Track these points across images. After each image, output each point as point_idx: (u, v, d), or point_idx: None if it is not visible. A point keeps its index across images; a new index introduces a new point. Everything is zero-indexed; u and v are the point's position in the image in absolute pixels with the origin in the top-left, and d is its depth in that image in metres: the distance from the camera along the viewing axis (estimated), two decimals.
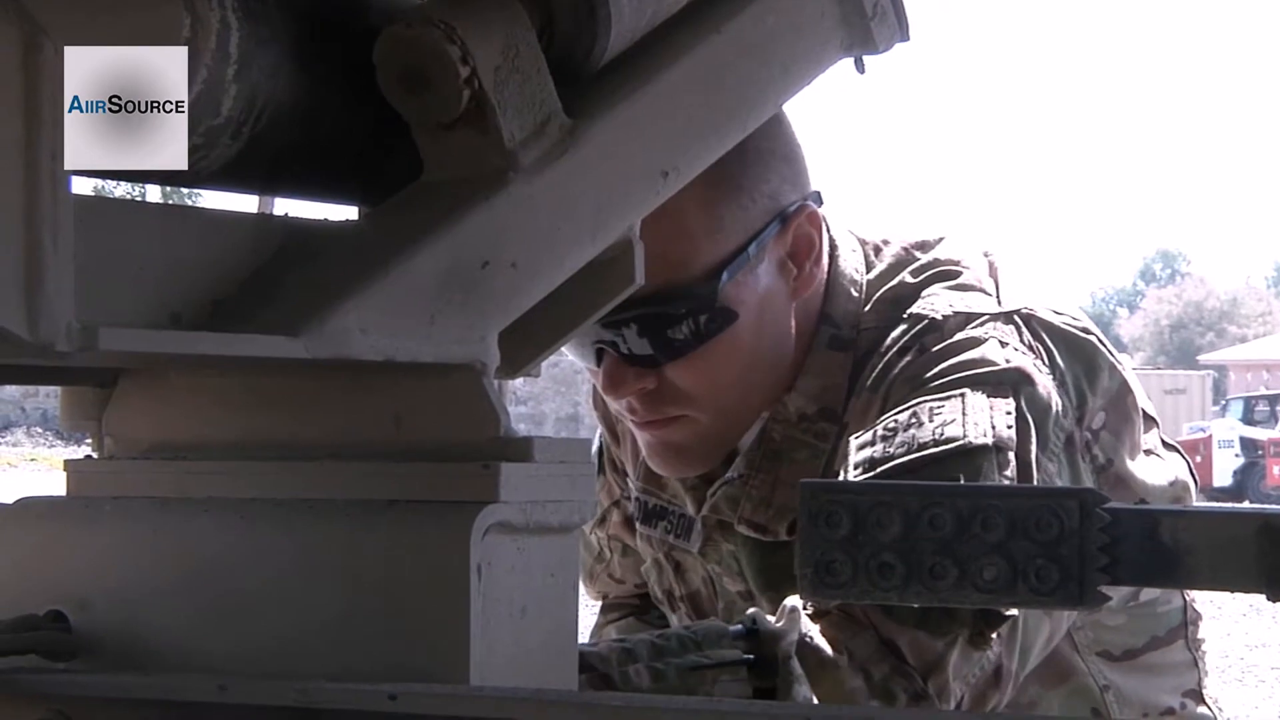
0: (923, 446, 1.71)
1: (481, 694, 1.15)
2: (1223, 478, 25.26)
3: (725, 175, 1.76)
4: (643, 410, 1.87)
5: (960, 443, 1.70)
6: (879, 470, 1.70)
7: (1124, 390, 1.92)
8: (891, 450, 1.72)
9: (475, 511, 1.18)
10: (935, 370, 1.79)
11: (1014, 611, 1.69)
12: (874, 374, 1.85)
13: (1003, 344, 1.81)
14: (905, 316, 1.86)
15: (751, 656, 1.61)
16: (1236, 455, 26.08)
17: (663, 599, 2.13)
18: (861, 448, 1.75)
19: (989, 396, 1.74)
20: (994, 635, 1.69)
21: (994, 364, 1.78)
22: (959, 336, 1.81)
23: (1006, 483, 1.69)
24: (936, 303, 1.86)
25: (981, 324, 1.83)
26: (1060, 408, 1.82)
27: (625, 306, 1.69)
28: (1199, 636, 2.08)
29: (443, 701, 1.12)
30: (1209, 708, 2.09)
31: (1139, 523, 1.01)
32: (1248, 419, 28.55)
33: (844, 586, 1.03)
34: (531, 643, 1.22)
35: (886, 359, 1.84)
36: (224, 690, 1.17)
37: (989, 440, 1.71)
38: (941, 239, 1.96)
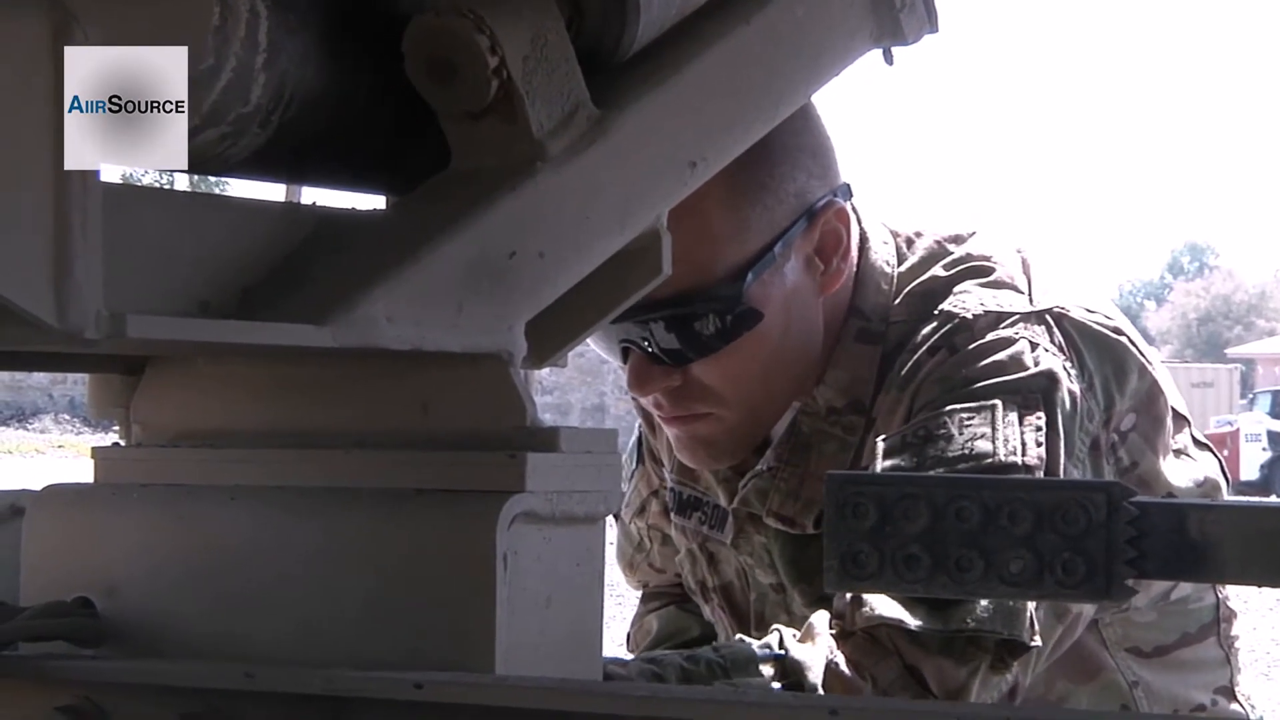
0: (951, 462, 1.70)
1: (506, 683, 1.15)
2: (1250, 471, 25.17)
3: (749, 176, 1.75)
4: (669, 406, 1.87)
5: (989, 460, 1.70)
6: None
7: (1154, 391, 1.90)
8: (920, 463, 1.71)
9: (501, 501, 1.18)
10: (965, 373, 1.78)
11: (1038, 642, 1.68)
12: (903, 371, 1.84)
13: (1033, 345, 1.79)
14: (936, 313, 1.85)
15: (779, 686, 1.61)
16: (1264, 449, 25.97)
17: (695, 590, 2.13)
18: (889, 454, 1.74)
19: (1020, 410, 1.74)
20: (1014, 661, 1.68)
21: (1024, 368, 1.77)
22: (990, 337, 1.80)
23: None
24: (968, 300, 1.85)
25: (1012, 324, 1.82)
26: (1086, 411, 1.81)
27: (651, 306, 1.70)
28: (1232, 634, 2.07)
29: (468, 690, 1.13)
30: (1241, 704, 2.08)
31: (1166, 516, 1.01)
32: (1275, 412, 28.42)
33: (871, 578, 1.03)
34: (557, 632, 1.22)
35: (916, 357, 1.83)
36: (251, 678, 1.17)
37: (1018, 459, 1.70)
38: (974, 233, 1.95)
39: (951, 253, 1.92)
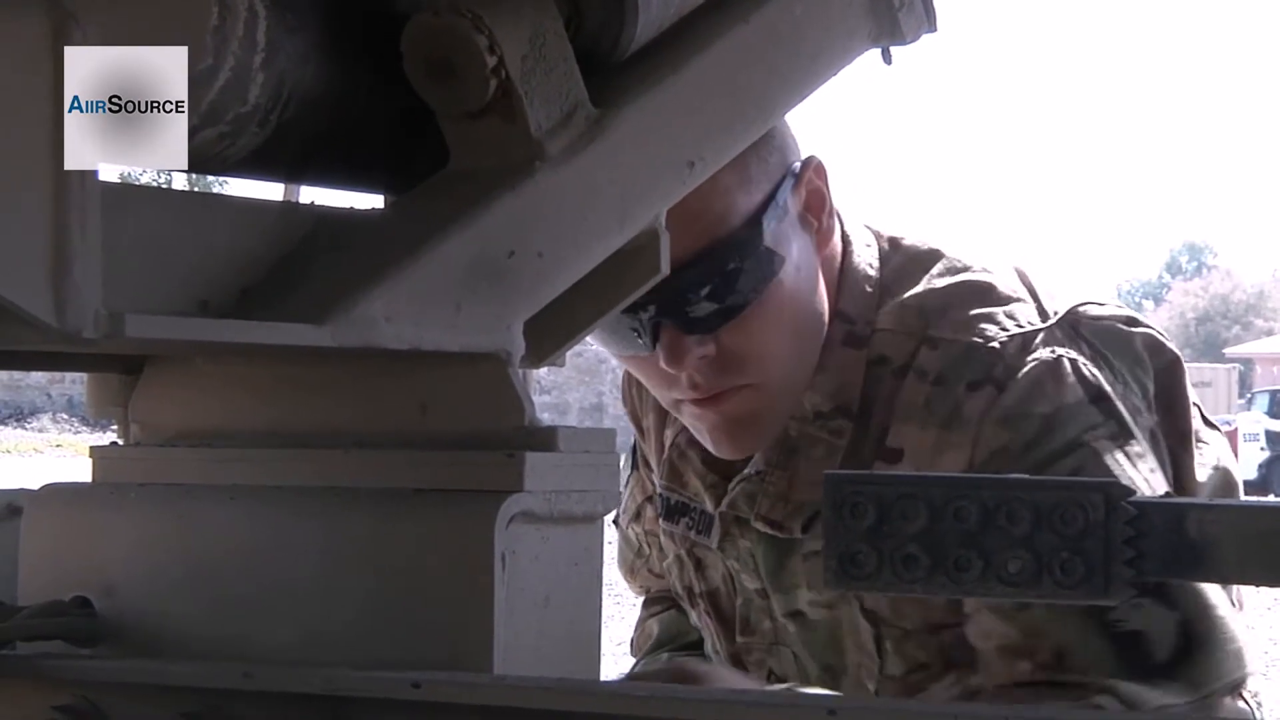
0: None
1: (505, 683, 1.15)
2: (1248, 471, 25.12)
3: None
4: (704, 383, 1.85)
5: None
6: None
7: (1173, 367, 1.91)
8: None
9: (500, 501, 1.18)
10: (1029, 410, 1.77)
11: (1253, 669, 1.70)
12: (935, 406, 1.81)
13: (1071, 361, 1.79)
14: (948, 340, 1.83)
15: None
16: (1262, 449, 25.97)
17: (683, 595, 2.12)
18: None
19: (1118, 444, 1.76)
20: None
21: (1075, 389, 1.78)
22: (1029, 363, 1.79)
23: None
24: (985, 327, 1.83)
25: (1041, 343, 1.81)
26: (1134, 409, 1.81)
27: (676, 270, 1.71)
28: None
29: (466, 690, 1.13)
30: (1248, 702, 2.08)
31: (1165, 516, 1.00)
32: (1273, 412, 28.42)
33: (869, 578, 1.03)
34: (555, 632, 1.22)
35: (955, 394, 1.80)
36: (249, 677, 1.17)
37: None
38: (955, 242, 1.95)
39: (939, 258, 1.91)
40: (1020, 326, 1.82)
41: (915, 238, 1.95)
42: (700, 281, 1.77)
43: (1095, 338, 1.84)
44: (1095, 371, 1.80)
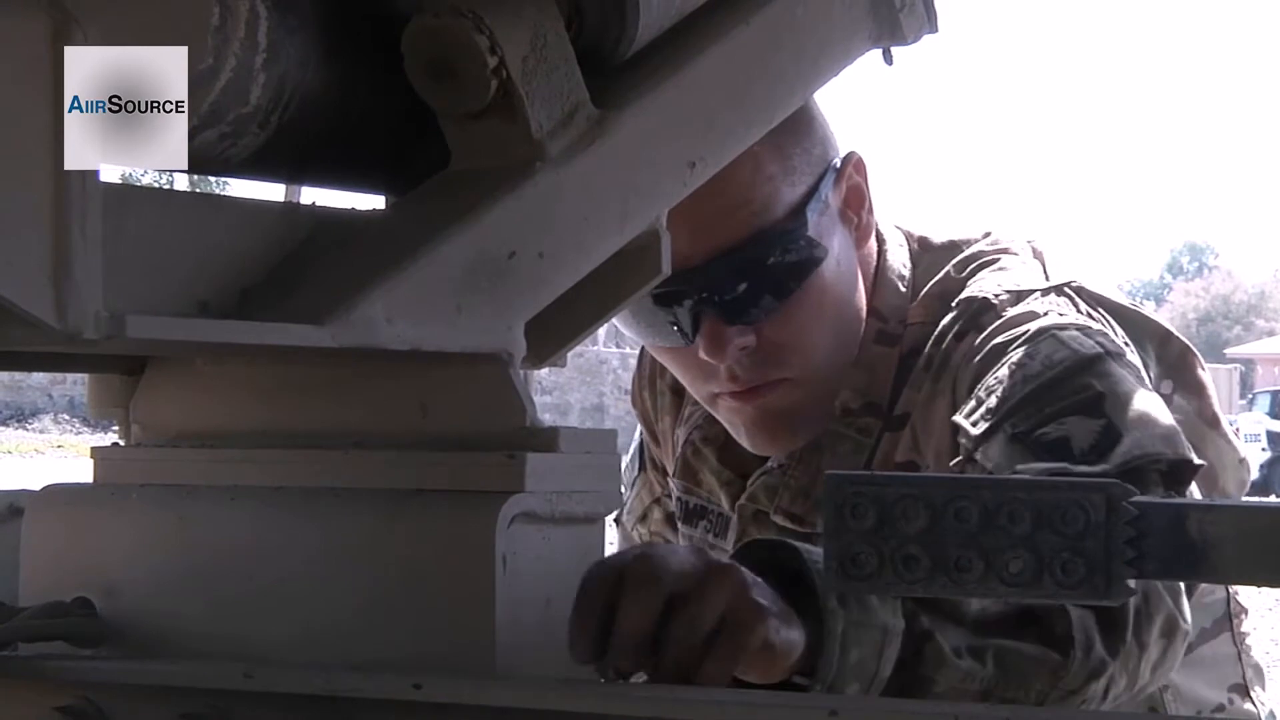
0: (1038, 375, 1.69)
1: (505, 683, 1.15)
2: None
3: (786, 124, 1.76)
4: (744, 375, 1.85)
5: (1077, 358, 1.69)
6: (1007, 409, 1.67)
7: (1187, 358, 1.91)
8: (1006, 392, 1.69)
9: (500, 501, 1.18)
10: (998, 341, 1.77)
11: (1201, 460, 1.66)
12: (931, 363, 1.84)
13: (1060, 315, 1.80)
14: (954, 305, 1.85)
15: None
16: (1264, 449, 25.93)
17: None
18: (972, 413, 1.73)
19: (1074, 325, 1.74)
20: None
21: (1057, 322, 1.77)
22: (1015, 311, 1.80)
23: (1137, 385, 1.70)
24: (985, 285, 1.85)
25: (1035, 298, 1.82)
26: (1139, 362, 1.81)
27: (719, 259, 1.72)
28: (1242, 630, 2.06)
29: (467, 690, 1.13)
30: (1254, 703, 2.07)
31: (1166, 516, 1.00)
32: (1275, 413, 28.40)
33: (869, 579, 1.03)
34: (556, 633, 1.22)
35: (944, 347, 1.83)
36: (250, 677, 1.17)
37: (1100, 350, 1.70)
38: (988, 234, 1.96)
39: (963, 252, 1.93)
40: (1018, 285, 1.84)
41: (942, 235, 1.96)
42: (744, 270, 1.77)
43: (1101, 306, 1.85)
44: (1083, 321, 1.79)
